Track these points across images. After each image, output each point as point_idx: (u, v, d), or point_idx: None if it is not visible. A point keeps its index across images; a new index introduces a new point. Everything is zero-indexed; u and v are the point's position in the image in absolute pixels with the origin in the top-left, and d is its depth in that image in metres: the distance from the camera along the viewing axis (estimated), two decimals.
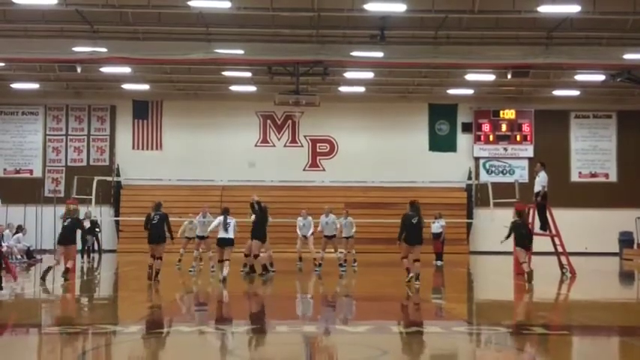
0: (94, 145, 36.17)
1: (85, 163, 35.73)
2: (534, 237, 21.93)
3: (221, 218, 19.15)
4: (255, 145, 36.38)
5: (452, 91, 34.76)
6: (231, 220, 19.11)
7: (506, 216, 23.31)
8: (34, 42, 26.21)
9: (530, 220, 21.98)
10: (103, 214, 32.50)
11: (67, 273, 18.92)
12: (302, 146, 36.53)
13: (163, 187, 32.91)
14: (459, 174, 35.61)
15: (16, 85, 34.09)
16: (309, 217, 23.16)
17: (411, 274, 17.78)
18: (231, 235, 18.95)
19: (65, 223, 19.37)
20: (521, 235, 19.54)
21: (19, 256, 27.10)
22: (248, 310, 14.71)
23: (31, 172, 36.02)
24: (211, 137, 35.97)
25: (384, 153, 35.74)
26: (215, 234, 19.85)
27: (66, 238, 19.06)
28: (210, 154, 35.49)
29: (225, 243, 18.98)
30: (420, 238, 17.90)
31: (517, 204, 21.52)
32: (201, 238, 22.29)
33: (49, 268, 18.84)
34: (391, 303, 15.73)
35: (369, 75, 31.54)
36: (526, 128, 36.40)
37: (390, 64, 28.91)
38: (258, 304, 15.98)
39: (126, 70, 30.90)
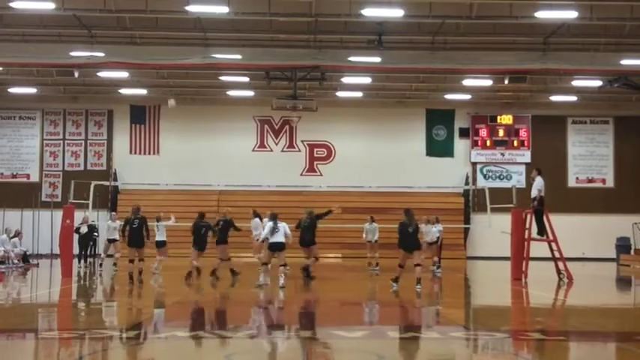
0: (91, 149, 36.17)
1: (82, 168, 35.72)
2: (532, 242, 22.00)
3: (270, 224, 18.81)
4: (253, 150, 36.40)
5: (449, 97, 34.80)
6: (281, 224, 18.82)
7: (503, 221, 23.37)
8: (31, 46, 26.20)
9: (527, 225, 21.99)
10: (100, 219, 32.45)
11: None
12: (299, 151, 36.54)
13: (160, 191, 32.90)
14: (456, 179, 35.61)
15: (13, 90, 34.08)
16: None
17: (395, 283, 18.01)
18: (282, 238, 18.63)
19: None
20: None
21: (15, 261, 27.07)
22: (244, 316, 14.69)
23: (28, 176, 36.00)
24: (209, 142, 35.97)
25: (382, 158, 35.75)
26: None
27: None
28: (208, 158, 35.50)
29: (276, 247, 18.78)
30: (417, 244, 18.16)
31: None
32: (112, 241, 24.47)
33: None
34: (388, 308, 15.73)
35: (366, 80, 31.57)
36: (523, 133, 36.44)
37: (387, 70, 28.94)
38: (257, 309, 15.96)
39: (123, 74, 30.92)
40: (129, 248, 20.25)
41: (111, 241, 24.60)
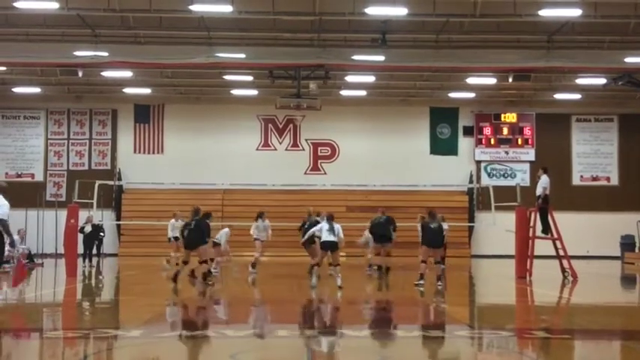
0: (95, 149, 36.21)
1: (86, 167, 35.75)
2: (536, 240, 21.98)
3: (325, 225, 18.59)
4: (257, 149, 36.40)
5: (453, 95, 34.78)
6: (337, 226, 18.55)
7: (507, 220, 23.35)
8: (35, 46, 26.23)
9: (532, 223, 21.97)
10: (105, 219, 32.49)
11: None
12: (303, 150, 36.54)
13: (165, 191, 32.93)
14: (460, 177, 35.60)
15: (17, 89, 34.13)
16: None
17: (421, 280, 18.62)
18: (335, 238, 18.33)
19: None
20: None
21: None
22: (249, 314, 14.71)
23: (32, 176, 36.04)
24: (213, 141, 35.99)
25: (386, 156, 35.74)
26: None
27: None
28: (212, 157, 35.51)
29: (329, 246, 18.50)
30: (437, 242, 19.07)
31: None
32: (177, 239, 23.97)
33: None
34: (393, 307, 15.73)
35: (370, 79, 31.56)
36: (527, 132, 36.41)
37: (391, 68, 28.93)
38: (261, 307, 15.97)
39: (127, 74, 30.95)
40: (184, 250, 19.93)
41: (175, 239, 24.75)
